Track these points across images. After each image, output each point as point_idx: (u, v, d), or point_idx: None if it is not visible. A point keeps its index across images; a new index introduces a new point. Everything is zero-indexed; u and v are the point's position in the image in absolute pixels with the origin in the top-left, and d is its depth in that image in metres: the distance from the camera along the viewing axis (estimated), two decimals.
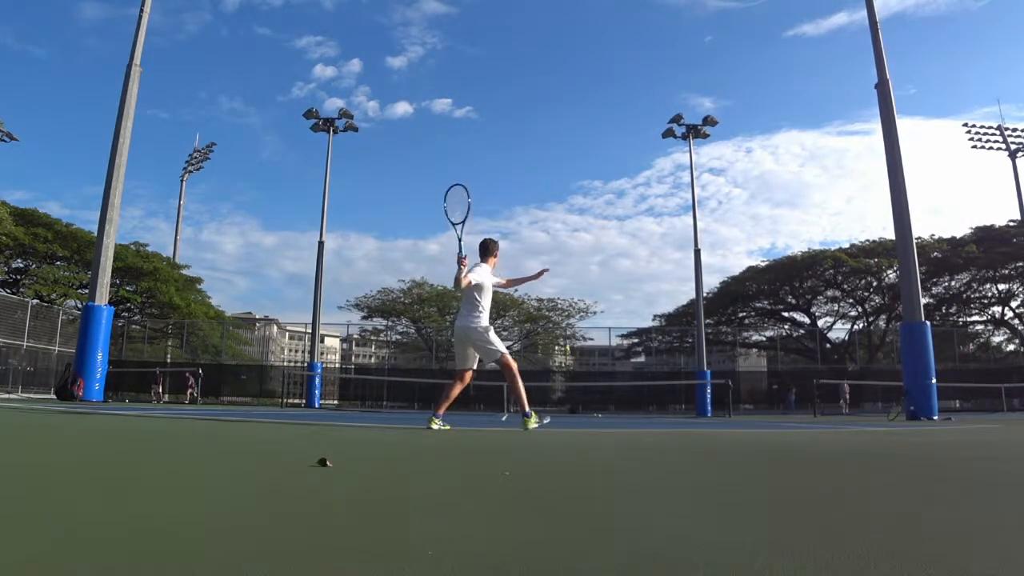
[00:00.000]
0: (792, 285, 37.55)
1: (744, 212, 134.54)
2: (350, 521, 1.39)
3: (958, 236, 34.41)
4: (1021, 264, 32.82)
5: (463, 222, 6.16)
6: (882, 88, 15.72)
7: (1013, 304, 35.20)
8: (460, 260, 5.88)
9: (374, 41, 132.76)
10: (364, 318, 38.82)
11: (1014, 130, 38.89)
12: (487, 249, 6.20)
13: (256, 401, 28.40)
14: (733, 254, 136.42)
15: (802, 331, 39.34)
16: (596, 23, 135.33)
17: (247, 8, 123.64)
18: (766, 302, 39.38)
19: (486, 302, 6.00)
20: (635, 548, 1.13)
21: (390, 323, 39.01)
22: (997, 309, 35.69)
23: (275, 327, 67.53)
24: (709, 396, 23.21)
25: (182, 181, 44.20)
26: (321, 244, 25.05)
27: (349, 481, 2.07)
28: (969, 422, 11.14)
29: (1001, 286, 34.60)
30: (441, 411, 5.86)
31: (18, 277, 30.63)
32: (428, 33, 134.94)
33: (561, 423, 6.98)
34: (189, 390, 23.09)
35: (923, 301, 15.74)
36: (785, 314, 40.04)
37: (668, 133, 26.98)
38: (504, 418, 11.19)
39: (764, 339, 40.07)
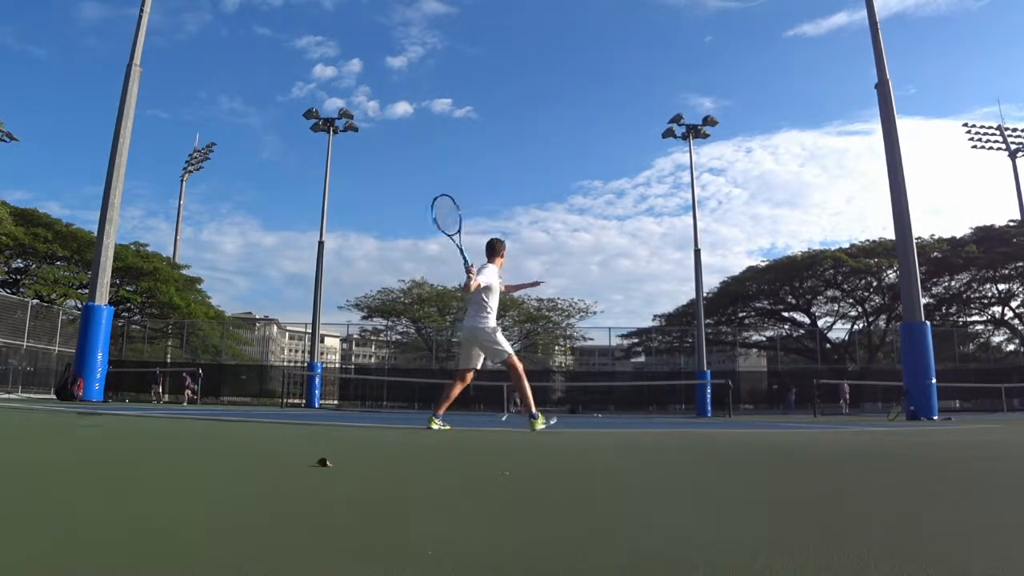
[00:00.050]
0: (792, 285, 37.56)
1: (744, 212, 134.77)
2: (350, 521, 1.38)
3: (958, 236, 34.45)
4: (1021, 264, 32.83)
5: (458, 232, 6.10)
6: (882, 88, 15.73)
7: (1013, 304, 35.25)
8: (468, 269, 5.83)
9: (374, 41, 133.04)
10: (364, 318, 38.89)
11: (1014, 130, 38.94)
12: (494, 249, 6.16)
13: (256, 401, 28.40)
14: (733, 254, 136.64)
15: (802, 331, 39.36)
16: (596, 23, 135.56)
17: (247, 8, 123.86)
18: (766, 302, 39.39)
19: (494, 303, 5.98)
20: (635, 548, 1.13)
21: (390, 323, 39.02)
22: (997, 309, 35.77)
23: (275, 327, 67.55)
24: (709, 396, 23.23)
25: (182, 181, 44.27)
26: (321, 244, 25.12)
27: (349, 481, 2.07)
28: (969, 422, 11.15)
29: (1001, 286, 34.63)
30: (441, 411, 5.85)
31: (18, 277, 30.64)
32: (428, 33, 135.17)
33: (561, 423, 6.99)
34: (187, 391, 22.96)
35: (923, 301, 15.75)
36: (785, 314, 40.05)
37: (668, 133, 27.02)
38: (504, 418, 11.20)
39: (764, 339, 40.10)
